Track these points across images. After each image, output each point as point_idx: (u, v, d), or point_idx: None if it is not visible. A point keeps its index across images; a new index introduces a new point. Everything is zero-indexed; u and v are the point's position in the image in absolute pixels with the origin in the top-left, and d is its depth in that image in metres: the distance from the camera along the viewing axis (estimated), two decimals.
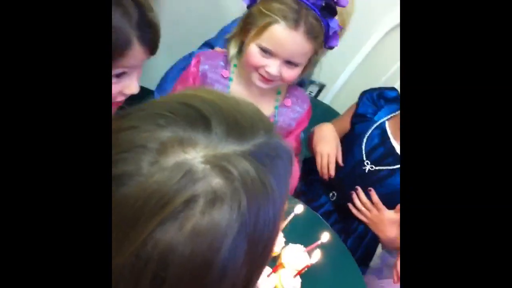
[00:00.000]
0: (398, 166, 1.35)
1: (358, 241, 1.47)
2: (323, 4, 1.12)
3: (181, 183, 0.41)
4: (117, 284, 0.42)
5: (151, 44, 0.87)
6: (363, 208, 1.37)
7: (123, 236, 0.41)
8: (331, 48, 1.23)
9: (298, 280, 1.07)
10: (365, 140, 1.40)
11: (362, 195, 1.37)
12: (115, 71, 0.85)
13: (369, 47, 1.91)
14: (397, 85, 1.67)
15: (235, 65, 1.30)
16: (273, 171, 0.47)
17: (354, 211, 1.39)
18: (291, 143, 1.38)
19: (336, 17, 1.17)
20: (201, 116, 0.46)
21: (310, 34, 1.13)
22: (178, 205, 0.41)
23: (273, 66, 1.17)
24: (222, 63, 1.31)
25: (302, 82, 1.49)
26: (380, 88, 1.45)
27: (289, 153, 0.52)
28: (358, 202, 1.38)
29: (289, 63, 1.18)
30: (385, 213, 1.34)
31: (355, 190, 1.39)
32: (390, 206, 1.35)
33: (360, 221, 1.42)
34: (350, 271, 1.23)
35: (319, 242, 1.09)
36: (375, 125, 1.40)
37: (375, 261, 1.52)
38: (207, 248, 0.42)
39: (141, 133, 0.44)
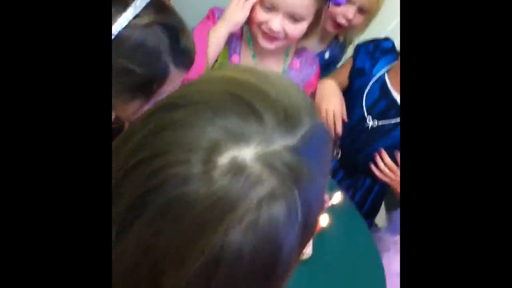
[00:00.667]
0: None
1: (366, 195, 1.47)
2: None
3: (243, 189, 0.42)
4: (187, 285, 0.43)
5: (187, 64, 0.85)
6: (387, 170, 1.34)
7: (190, 241, 0.42)
8: (338, 4, 1.19)
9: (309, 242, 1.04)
10: (365, 95, 1.37)
11: (387, 158, 1.34)
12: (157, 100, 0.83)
13: None
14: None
15: (247, 31, 1.26)
16: (318, 158, 0.48)
17: (377, 173, 1.36)
18: None
19: None
20: (254, 110, 0.44)
21: None
22: (243, 211, 0.42)
23: (274, 21, 1.14)
24: None
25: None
26: (374, 40, 1.42)
27: (328, 133, 0.52)
28: (382, 164, 1.35)
29: (292, 18, 1.15)
30: None
31: (375, 145, 1.36)
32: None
33: (367, 176, 1.42)
34: (360, 232, 1.24)
35: (329, 204, 1.06)
36: (374, 79, 1.37)
37: (383, 221, 1.54)
38: (271, 245, 0.44)
39: (193, 130, 0.43)
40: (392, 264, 1.28)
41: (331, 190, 1.14)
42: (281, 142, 0.44)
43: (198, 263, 0.42)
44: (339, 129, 1.36)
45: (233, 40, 1.24)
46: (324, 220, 1.01)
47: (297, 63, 1.31)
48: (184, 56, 0.83)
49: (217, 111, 0.44)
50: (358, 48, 1.41)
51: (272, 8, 1.13)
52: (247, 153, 0.42)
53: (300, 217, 0.45)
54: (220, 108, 0.44)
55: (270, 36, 1.17)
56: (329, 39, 1.52)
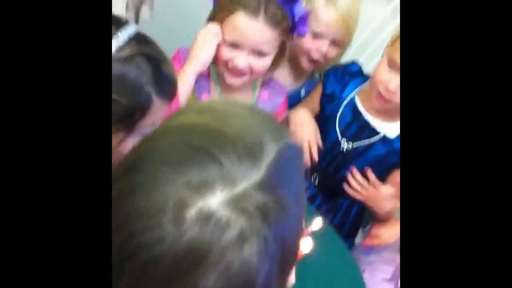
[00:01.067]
0: (376, 138, 1.36)
1: (345, 216, 1.49)
2: None
3: (212, 235, 0.42)
4: None
5: (170, 95, 0.85)
6: (359, 188, 1.37)
7: None
8: (301, 35, 1.23)
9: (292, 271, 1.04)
10: (337, 119, 1.39)
11: (358, 176, 1.37)
12: (142, 132, 0.83)
13: None
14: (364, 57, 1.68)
15: (213, 68, 1.28)
16: (289, 186, 0.48)
17: (350, 192, 1.39)
18: None
19: (303, 3, 1.18)
20: (210, 156, 0.45)
21: (272, 22, 1.13)
22: (214, 256, 0.43)
23: (239, 58, 1.17)
24: None
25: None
26: (342, 65, 1.44)
27: (298, 151, 0.52)
28: (354, 183, 1.37)
29: (256, 53, 1.17)
30: (382, 189, 1.34)
31: (350, 167, 1.38)
32: (382, 176, 1.38)
33: (345, 197, 1.44)
34: (341, 255, 1.25)
35: (309, 230, 1.05)
36: (345, 102, 1.39)
37: (359, 238, 1.55)
38: (244, 284, 0.44)
39: (158, 193, 0.44)
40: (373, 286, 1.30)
41: (310, 216, 1.14)
42: (246, 181, 0.45)
43: None
44: (316, 156, 1.37)
45: (201, 79, 1.26)
46: (307, 246, 1.01)
47: (265, 94, 1.33)
48: (167, 86, 0.84)
49: (177, 168, 0.45)
50: (326, 74, 1.43)
51: (236, 46, 1.15)
52: (213, 201, 0.43)
53: (274, 252, 0.45)
54: (179, 164, 0.45)
55: (236, 72, 1.19)
56: (304, 76, 1.55)
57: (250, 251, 0.44)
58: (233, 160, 0.45)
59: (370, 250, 1.46)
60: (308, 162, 1.37)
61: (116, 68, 0.77)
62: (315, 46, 1.40)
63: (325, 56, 1.42)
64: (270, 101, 1.34)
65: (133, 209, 0.45)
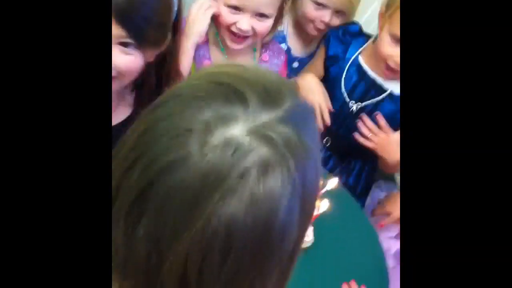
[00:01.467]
0: (383, 95, 1.36)
1: (357, 177, 1.50)
2: None
3: (233, 159, 0.43)
4: (186, 260, 0.45)
5: None
6: (370, 134, 1.37)
7: (187, 216, 0.44)
8: None
9: (310, 228, 1.07)
10: (343, 80, 1.39)
11: (369, 122, 1.37)
12: None
13: None
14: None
15: (217, 34, 1.28)
16: (307, 130, 0.49)
17: (361, 139, 1.38)
18: None
19: None
20: (235, 91, 0.47)
21: None
22: (234, 179, 0.43)
23: (243, 21, 1.17)
24: None
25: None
26: (341, 25, 1.44)
27: (312, 110, 0.55)
28: (365, 129, 1.37)
29: (259, 15, 1.17)
30: (392, 135, 1.35)
31: (356, 122, 1.39)
32: None
33: (357, 159, 1.46)
34: (357, 215, 1.27)
35: (324, 190, 1.06)
36: (349, 63, 1.39)
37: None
38: (266, 213, 0.44)
39: (185, 118, 0.46)
40: None
41: (324, 177, 1.15)
42: (268, 115, 0.46)
43: (192, 234, 0.44)
44: (328, 119, 1.38)
45: (199, 48, 1.26)
46: (324, 205, 1.02)
47: (266, 56, 1.34)
48: None
49: (203, 98, 0.46)
50: (328, 36, 1.43)
51: (239, 9, 1.16)
52: (236, 130, 0.45)
53: (298, 186, 0.46)
54: (205, 95, 0.47)
55: (239, 36, 1.20)
56: (315, 42, 1.55)
57: (274, 180, 0.44)
58: (256, 98, 0.47)
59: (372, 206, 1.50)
60: (321, 125, 1.38)
61: None
62: (318, 16, 1.41)
63: (328, 25, 1.43)
64: (270, 62, 1.34)
65: (160, 133, 0.46)
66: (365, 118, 1.37)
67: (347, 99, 1.39)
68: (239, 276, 0.46)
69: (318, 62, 1.46)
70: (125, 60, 0.84)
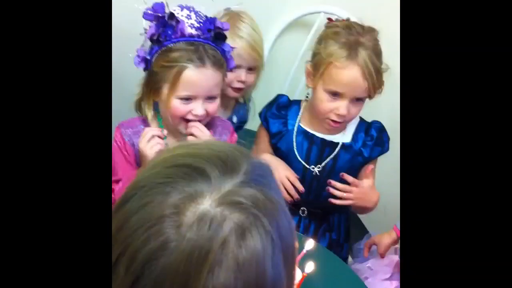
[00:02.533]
0: (337, 149, 1.44)
1: (338, 229, 1.54)
2: (213, 35, 1.22)
3: (211, 232, 0.46)
4: None
5: None
6: (345, 194, 1.40)
7: None
8: (231, 70, 1.33)
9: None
10: (296, 151, 1.45)
11: (338, 184, 1.41)
12: None
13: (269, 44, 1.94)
14: (302, 83, 1.77)
15: (162, 126, 1.33)
16: (269, 186, 0.53)
17: (338, 202, 1.41)
18: None
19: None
20: (195, 169, 0.50)
21: (217, 64, 1.23)
22: (216, 251, 0.46)
23: (198, 108, 1.24)
24: (142, 126, 1.34)
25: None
26: (272, 103, 1.52)
27: (269, 167, 0.58)
28: (337, 192, 1.41)
29: (209, 98, 1.25)
30: (364, 184, 1.40)
31: (327, 186, 1.43)
32: (356, 177, 1.44)
33: (332, 213, 1.51)
34: (340, 269, 1.29)
35: (304, 251, 1.09)
36: (294, 132, 1.46)
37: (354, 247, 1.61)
38: (255, 273, 0.47)
39: (154, 206, 0.48)
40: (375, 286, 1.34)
41: (300, 240, 1.18)
42: (231, 183, 0.50)
43: None
44: (301, 187, 1.42)
45: None
46: (309, 267, 1.04)
47: (212, 133, 1.35)
48: None
49: (167, 183, 0.49)
50: (264, 116, 1.50)
51: (190, 98, 1.23)
52: (206, 204, 0.48)
53: (276, 240, 0.49)
54: (168, 180, 0.50)
55: (195, 121, 1.25)
56: (232, 105, 1.64)
57: (253, 240, 0.47)
58: (216, 171, 0.50)
59: (363, 258, 1.52)
60: (296, 196, 1.42)
61: None
62: (235, 77, 1.51)
63: (245, 82, 1.54)
64: (219, 138, 1.38)
65: (133, 229, 0.48)
66: (333, 182, 1.42)
67: (307, 166, 1.45)
68: None
69: (263, 143, 1.51)
70: None
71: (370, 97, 1.35)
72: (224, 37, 1.25)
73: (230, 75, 1.47)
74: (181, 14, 1.21)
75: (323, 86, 1.34)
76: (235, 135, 1.44)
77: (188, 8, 1.23)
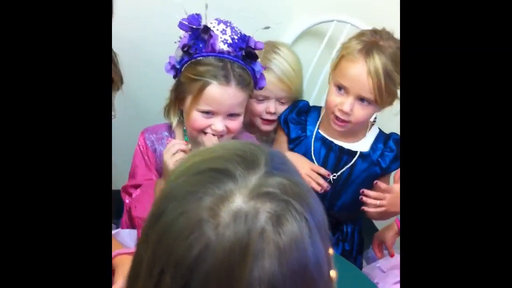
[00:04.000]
0: (355, 158, 1.42)
1: (352, 239, 1.52)
2: (244, 53, 1.22)
3: (247, 225, 0.49)
4: None
5: None
6: (378, 202, 1.37)
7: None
8: (261, 88, 1.31)
9: None
10: (313, 156, 1.44)
11: (372, 193, 1.38)
12: None
13: None
14: (318, 85, 1.80)
15: (187, 139, 1.33)
16: (290, 172, 0.56)
17: (371, 210, 1.38)
18: None
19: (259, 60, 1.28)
20: (219, 171, 0.53)
21: (242, 84, 1.23)
22: (256, 242, 0.48)
23: (218, 124, 1.24)
24: (166, 133, 1.36)
25: None
26: (293, 107, 1.51)
27: (284, 154, 0.61)
28: (371, 200, 1.38)
29: (230, 115, 1.25)
30: (394, 189, 1.35)
31: (341, 195, 1.42)
32: (371, 188, 1.41)
33: (346, 223, 1.49)
34: (357, 277, 1.28)
35: None
36: (312, 139, 1.45)
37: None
38: (297, 256, 0.49)
39: (190, 213, 0.50)
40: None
41: None
42: (255, 177, 0.52)
43: None
44: (324, 183, 1.39)
45: None
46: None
47: None
48: None
49: (197, 191, 0.52)
50: (284, 119, 1.49)
51: (211, 113, 1.23)
52: (238, 201, 0.50)
53: (311, 222, 0.51)
54: (197, 187, 0.52)
55: (216, 136, 1.25)
56: (270, 136, 1.61)
57: (290, 225, 0.49)
58: (239, 168, 0.52)
59: (373, 259, 1.51)
60: (324, 186, 1.39)
61: None
62: (264, 108, 1.50)
63: (275, 114, 1.51)
64: None
65: (174, 238, 0.50)
66: (367, 191, 1.38)
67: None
68: None
69: (281, 146, 1.50)
70: None
71: (377, 103, 1.31)
72: (254, 57, 1.25)
73: (260, 107, 1.49)
74: (216, 28, 1.22)
75: (333, 80, 1.34)
76: None
77: (225, 23, 1.24)
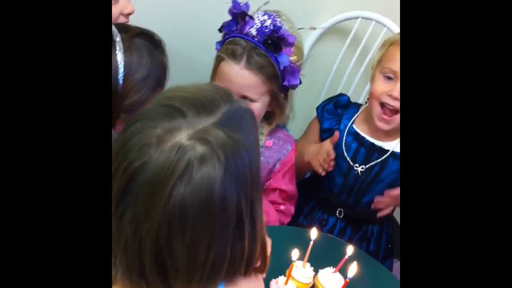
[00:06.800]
0: (386, 155, 1.40)
1: (378, 241, 1.50)
2: (269, 41, 1.25)
3: (177, 156, 0.62)
4: (157, 235, 0.62)
5: None
6: (389, 208, 1.37)
7: (153, 201, 0.62)
8: (292, 87, 1.31)
9: None
10: (344, 149, 1.42)
11: (382, 198, 1.37)
12: None
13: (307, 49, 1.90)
14: (343, 82, 1.80)
15: None
16: (239, 128, 0.67)
17: (385, 212, 1.38)
18: (278, 183, 1.40)
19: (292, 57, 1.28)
20: (175, 109, 0.65)
21: (254, 66, 1.25)
22: (180, 170, 0.61)
23: None
24: None
25: None
26: (332, 99, 1.50)
27: (249, 111, 0.72)
28: (381, 205, 1.36)
29: (243, 98, 1.26)
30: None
31: (369, 192, 1.41)
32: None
33: (373, 223, 1.46)
34: (383, 276, 1.26)
35: (346, 257, 1.10)
36: (345, 133, 1.43)
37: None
38: (206, 190, 0.62)
39: (143, 136, 0.64)
40: None
41: (341, 246, 1.20)
42: (204, 123, 0.64)
43: (157, 213, 0.61)
44: (331, 164, 1.36)
45: None
46: (352, 271, 1.05)
47: (270, 142, 1.39)
48: None
49: (154, 120, 0.65)
50: (321, 108, 1.48)
51: None
52: (181, 137, 0.63)
53: (230, 170, 0.63)
54: (155, 117, 0.65)
55: None
56: None
57: (208, 168, 0.62)
58: (193, 111, 0.65)
59: None
60: (331, 163, 1.36)
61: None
62: None
63: None
64: (275, 148, 1.40)
65: (128, 149, 0.64)
66: (377, 200, 1.37)
67: (351, 163, 1.41)
68: (198, 241, 0.63)
69: (313, 134, 1.49)
70: None
71: None
72: (277, 47, 1.26)
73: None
74: (258, 18, 1.27)
75: (380, 69, 1.33)
76: (295, 150, 1.44)
77: (270, 15, 1.28)
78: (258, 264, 0.74)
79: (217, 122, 0.65)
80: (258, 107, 1.29)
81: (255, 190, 0.68)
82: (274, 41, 1.25)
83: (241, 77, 1.25)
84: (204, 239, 0.64)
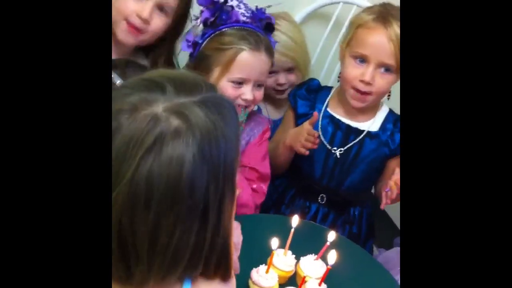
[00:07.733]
0: (362, 135, 1.40)
1: (359, 224, 1.51)
2: (264, 24, 1.29)
3: (149, 126, 0.58)
4: (121, 210, 0.59)
5: None
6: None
7: (120, 170, 0.58)
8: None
9: (324, 286, 1.08)
10: (320, 132, 1.41)
11: (389, 193, 1.27)
12: None
13: None
14: (325, 68, 1.82)
15: None
16: (220, 114, 0.63)
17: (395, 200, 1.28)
18: (248, 161, 1.38)
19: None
20: (156, 83, 0.64)
21: (269, 51, 1.28)
22: (150, 142, 0.58)
23: (247, 92, 1.27)
24: None
25: None
26: (302, 84, 1.50)
27: (231, 103, 0.68)
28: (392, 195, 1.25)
29: (257, 85, 1.28)
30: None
31: (349, 174, 1.41)
32: (380, 169, 1.43)
33: (355, 206, 1.48)
34: (364, 261, 1.26)
35: (328, 244, 1.10)
36: (320, 116, 1.42)
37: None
38: (176, 168, 0.58)
39: (119, 101, 0.61)
40: None
41: (322, 232, 1.20)
42: (183, 99, 0.62)
43: (122, 185, 0.58)
44: (316, 141, 1.31)
45: None
46: (332, 258, 1.05)
47: (244, 125, 1.37)
48: None
49: (131, 89, 0.63)
50: (293, 95, 1.48)
51: (242, 82, 1.25)
52: (156, 108, 0.60)
53: (204, 152, 0.59)
54: (133, 87, 0.63)
55: (244, 106, 1.29)
56: (283, 105, 1.64)
57: (181, 144, 0.59)
58: (173, 87, 0.63)
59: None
60: (316, 142, 1.31)
61: None
62: (273, 81, 1.56)
63: (286, 84, 1.57)
64: (250, 129, 1.40)
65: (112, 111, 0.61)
66: (384, 192, 1.26)
67: (329, 147, 1.41)
68: (161, 222, 0.59)
69: (288, 122, 1.49)
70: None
71: (397, 71, 1.29)
72: (272, 28, 1.30)
73: (270, 80, 1.53)
74: (231, 3, 1.26)
75: (349, 52, 1.32)
76: (268, 134, 1.43)
77: None
78: (221, 268, 0.69)
79: (198, 102, 0.62)
80: (263, 89, 1.32)
81: (227, 186, 0.63)
82: (268, 23, 1.28)
83: (264, 63, 1.27)
84: (168, 221, 0.60)
